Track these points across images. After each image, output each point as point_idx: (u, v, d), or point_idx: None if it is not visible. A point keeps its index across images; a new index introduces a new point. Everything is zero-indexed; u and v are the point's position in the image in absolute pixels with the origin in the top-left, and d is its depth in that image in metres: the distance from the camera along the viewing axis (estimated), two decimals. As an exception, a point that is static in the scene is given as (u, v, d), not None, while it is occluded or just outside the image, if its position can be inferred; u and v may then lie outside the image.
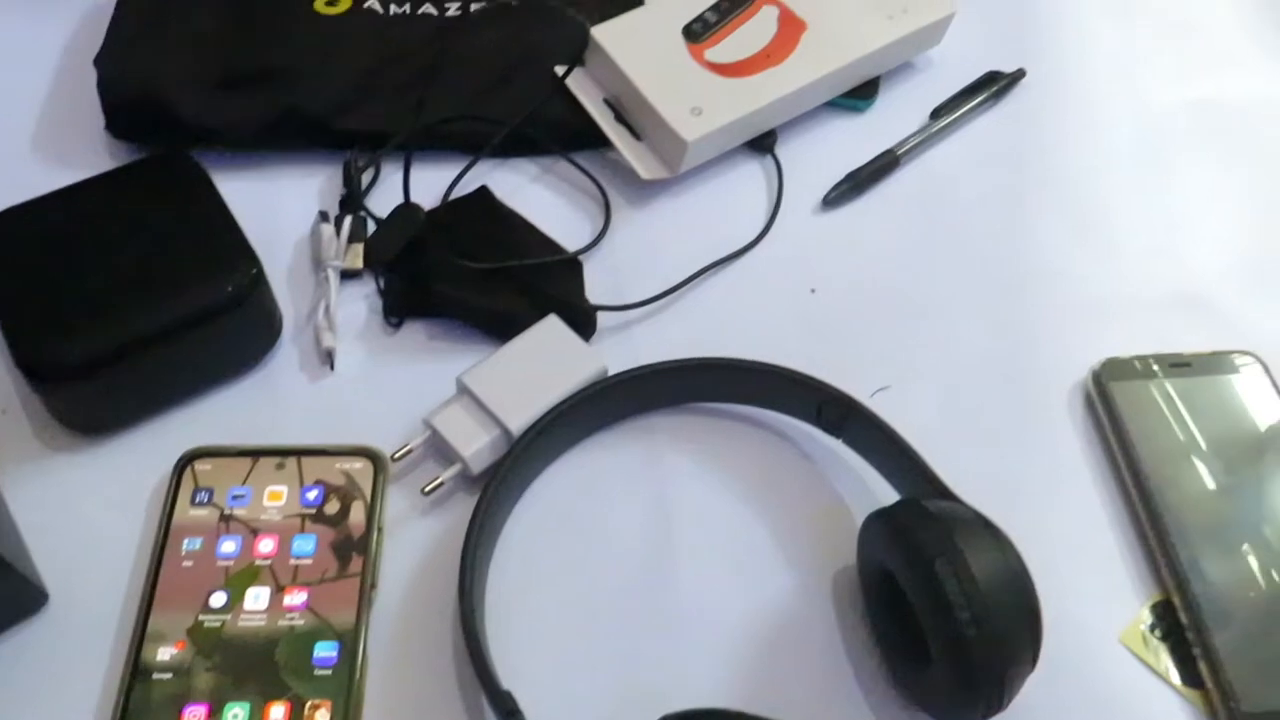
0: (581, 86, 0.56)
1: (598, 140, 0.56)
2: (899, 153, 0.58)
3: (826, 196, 0.56)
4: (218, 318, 0.45)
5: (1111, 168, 0.59)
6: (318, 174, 0.55)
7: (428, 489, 0.44)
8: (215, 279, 0.45)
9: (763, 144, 0.58)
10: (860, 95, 0.60)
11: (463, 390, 0.46)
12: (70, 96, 0.57)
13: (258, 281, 0.46)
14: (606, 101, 0.56)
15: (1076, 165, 0.59)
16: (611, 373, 0.47)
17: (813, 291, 0.53)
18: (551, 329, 0.48)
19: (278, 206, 0.54)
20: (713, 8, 0.57)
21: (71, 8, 0.61)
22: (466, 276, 0.49)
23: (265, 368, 0.49)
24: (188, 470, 0.44)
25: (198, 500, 0.44)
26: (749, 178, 0.57)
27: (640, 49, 0.55)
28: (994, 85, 0.61)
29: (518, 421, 0.45)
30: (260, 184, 0.55)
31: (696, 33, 0.56)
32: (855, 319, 0.52)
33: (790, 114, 0.58)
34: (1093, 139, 0.60)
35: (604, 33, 0.56)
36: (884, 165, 0.57)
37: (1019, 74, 0.62)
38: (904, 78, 0.62)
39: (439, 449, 0.46)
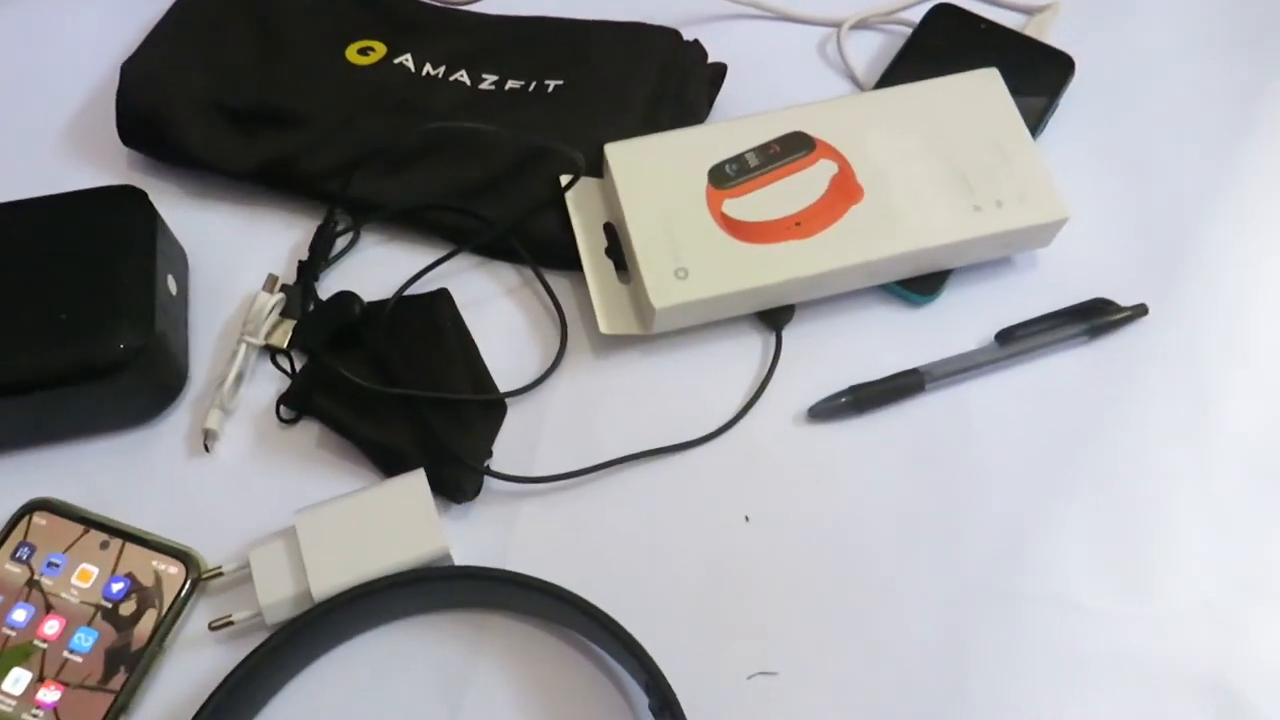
0: (584, 202, 0.50)
1: (580, 265, 0.49)
2: (927, 379, 0.47)
3: (814, 407, 0.47)
4: (94, 378, 0.43)
5: (1210, 477, 0.45)
6: (301, 226, 0.52)
7: (215, 624, 0.41)
8: (101, 338, 0.43)
9: (773, 319, 0.49)
10: (918, 288, 0.49)
11: (292, 529, 0.42)
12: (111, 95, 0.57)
13: (144, 350, 0.44)
14: (608, 226, 0.49)
15: (1155, 461, 0.46)
16: (458, 553, 0.42)
17: (747, 520, 0.45)
18: (410, 489, 0.43)
19: (250, 251, 0.52)
20: (759, 149, 0.49)
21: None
22: (358, 393, 0.45)
23: (156, 427, 0.47)
24: (25, 519, 0.44)
25: (19, 555, 0.43)
26: (744, 353, 0.49)
27: (653, 179, 0.48)
28: (1094, 320, 0.48)
29: (322, 586, 0.40)
30: (244, 222, 0.53)
31: (726, 176, 0.48)
32: (782, 572, 0.43)
33: (810, 295, 0.48)
34: (1199, 428, 0.46)
35: (619, 151, 0.48)
36: (900, 387, 0.47)
37: (1138, 311, 0.49)
38: (990, 273, 0.51)
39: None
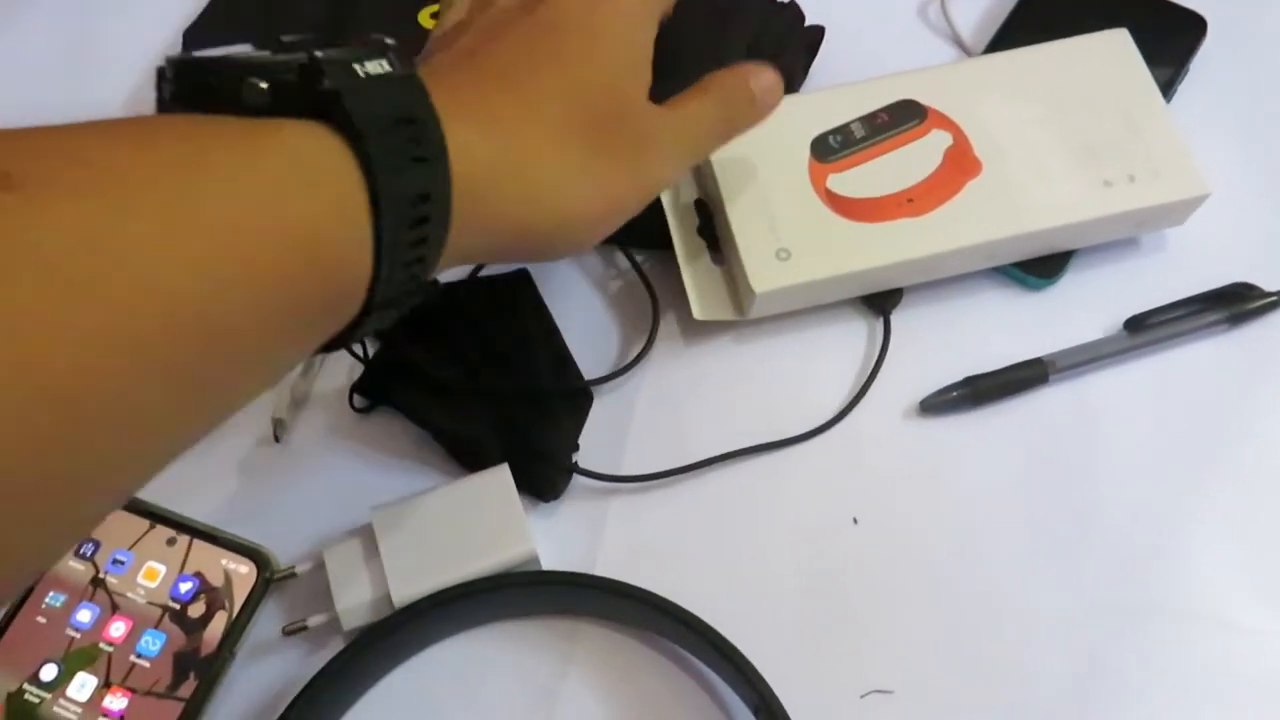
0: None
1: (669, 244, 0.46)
2: (1051, 369, 0.43)
3: (926, 400, 0.43)
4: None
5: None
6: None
7: (288, 629, 0.38)
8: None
9: (880, 303, 0.45)
10: (1038, 271, 0.45)
11: (370, 527, 0.39)
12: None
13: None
14: (700, 203, 0.46)
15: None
16: (543, 554, 0.39)
17: (855, 522, 0.41)
18: (494, 485, 0.40)
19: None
20: (865, 119, 0.45)
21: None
22: (437, 381, 0.42)
23: (222, 415, 0.44)
24: (88, 513, 0.42)
25: (82, 551, 0.41)
26: (849, 340, 0.45)
27: (751, 153, 0.44)
28: (1236, 306, 0.44)
29: (403, 591, 0.38)
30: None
31: (830, 149, 0.44)
32: (894, 580, 0.40)
33: (921, 278, 0.44)
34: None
35: None
36: (1021, 380, 0.43)
37: None
38: (1115, 255, 0.46)
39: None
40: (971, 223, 0.43)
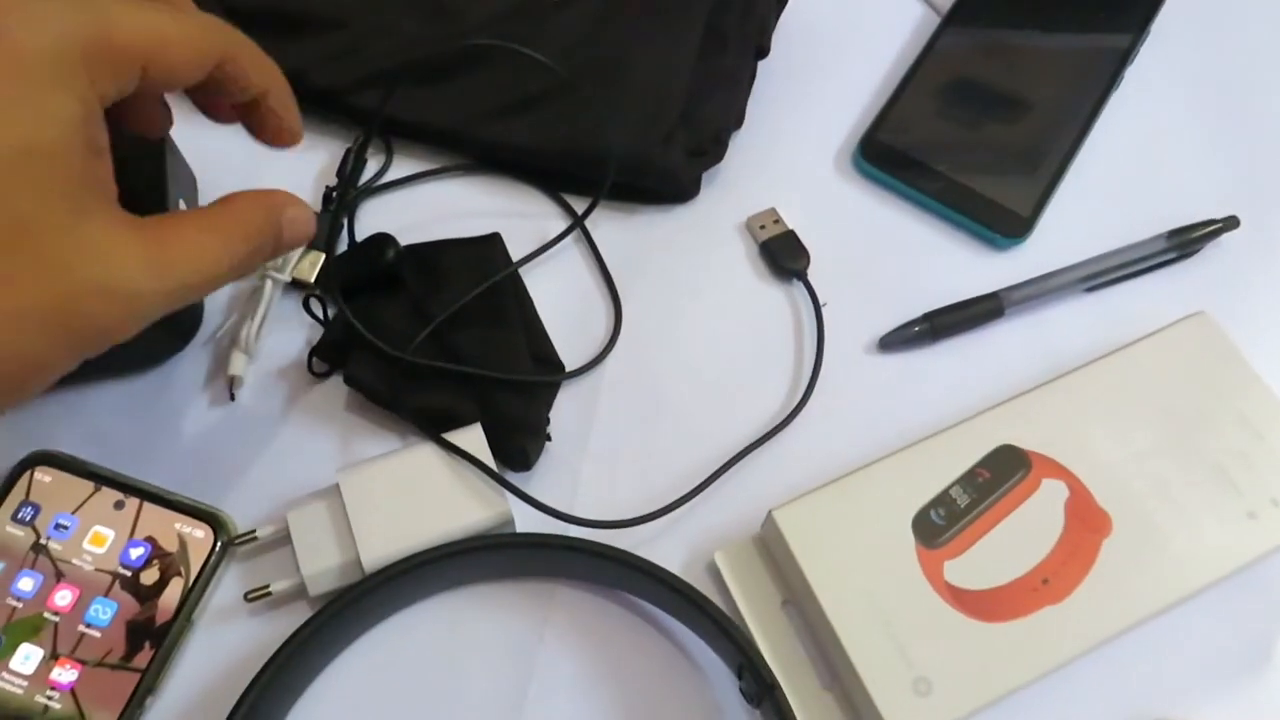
0: (742, 569, 0.39)
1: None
2: (1007, 302, 0.44)
3: (886, 337, 0.43)
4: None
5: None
6: (324, 146, 0.47)
7: (251, 595, 0.37)
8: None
9: (789, 269, 0.45)
10: (1004, 230, 0.46)
11: (335, 489, 0.38)
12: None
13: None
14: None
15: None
16: (520, 520, 0.38)
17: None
18: (467, 445, 0.38)
19: (264, 174, 0.46)
20: (963, 479, 0.38)
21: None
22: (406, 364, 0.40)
23: (166, 372, 0.42)
24: (26, 475, 0.39)
25: (20, 515, 0.38)
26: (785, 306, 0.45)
27: (845, 549, 0.36)
28: (1180, 235, 0.45)
29: (373, 555, 0.36)
30: (254, 144, 0.47)
31: (935, 528, 0.37)
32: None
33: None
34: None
35: (792, 518, 0.37)
36: (977, 313, 0.44)
37: (1229, 224, 0.46)
38: (1086, 212, 0.47)
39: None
40: (1123, 597, 0.36)
